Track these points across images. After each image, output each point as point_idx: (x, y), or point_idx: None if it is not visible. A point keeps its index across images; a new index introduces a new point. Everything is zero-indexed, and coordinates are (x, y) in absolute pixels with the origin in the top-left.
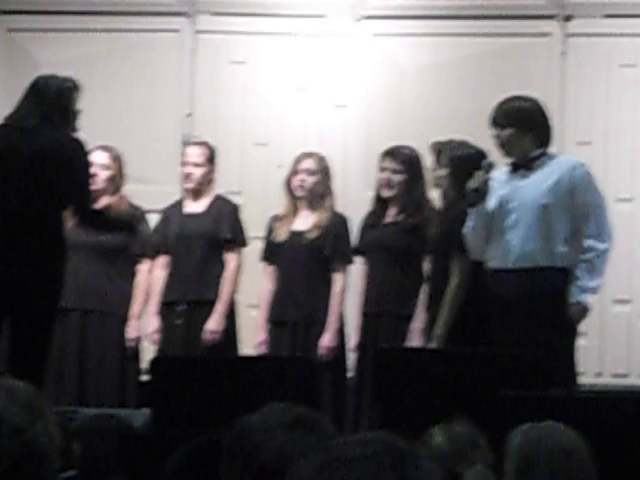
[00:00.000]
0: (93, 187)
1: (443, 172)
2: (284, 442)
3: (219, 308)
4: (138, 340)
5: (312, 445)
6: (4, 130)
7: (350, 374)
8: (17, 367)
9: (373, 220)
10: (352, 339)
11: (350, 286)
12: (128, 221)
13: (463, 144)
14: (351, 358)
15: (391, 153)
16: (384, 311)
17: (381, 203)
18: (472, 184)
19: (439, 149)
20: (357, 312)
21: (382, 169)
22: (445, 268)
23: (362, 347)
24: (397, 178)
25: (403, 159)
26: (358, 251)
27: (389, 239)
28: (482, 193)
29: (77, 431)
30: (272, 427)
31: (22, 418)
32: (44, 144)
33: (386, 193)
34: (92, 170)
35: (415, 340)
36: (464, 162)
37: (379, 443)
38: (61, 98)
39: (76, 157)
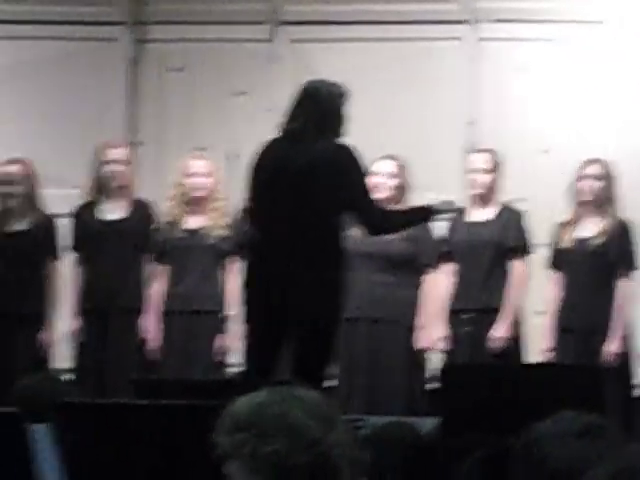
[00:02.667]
0: (380, 195)
1: None
2: (575, 450)
3: (505, 315)
4: (425, 349)
5: (602, 453)
6: (282, 141)
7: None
8: (302, 377)
9: None
10: None
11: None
12: (423, 208)
13: None
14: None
15: None
16: None
17: None
18: None
19: None
20: None
21: None
22: None
23: None
24: None
25: None
26: None
27: None
28: None
29: (365, 439)
30: (563, 435)
31: (317, 429)
32: (319, 153)
33: None
34: (377, 179)
35: None
36: None
37: None
38: (334, 105)
39: (350, 165)
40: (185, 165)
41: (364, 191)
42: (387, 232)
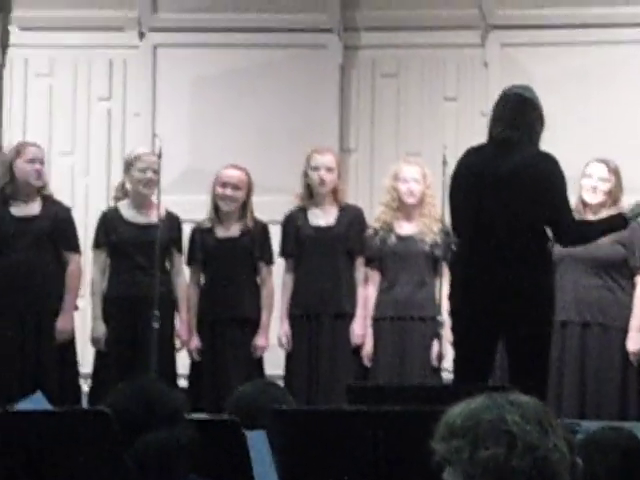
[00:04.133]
0: (592, 199)
1: None
2: None
3: None
4: (639, 353)
5: None
6: (489, 147)
7: None
8: (519, 383)
9: None
10: None
11: None
12: (618, 217)
13: None
14: None
15: None
16: None
17: None
18: None
19: None
20: None
21: None
22: None
23: None
24: None
25: None
26: None
27: None
28: None
29: (580, 444)
30: None
31: (534, 434)
32: (526, 161)
33: None
34: (589, 183)
35: None
36: None
37: None
38: (542, 112)
39: (555, 175)
40: (398, 171)
41: (564, 203)
42: (579, 244)
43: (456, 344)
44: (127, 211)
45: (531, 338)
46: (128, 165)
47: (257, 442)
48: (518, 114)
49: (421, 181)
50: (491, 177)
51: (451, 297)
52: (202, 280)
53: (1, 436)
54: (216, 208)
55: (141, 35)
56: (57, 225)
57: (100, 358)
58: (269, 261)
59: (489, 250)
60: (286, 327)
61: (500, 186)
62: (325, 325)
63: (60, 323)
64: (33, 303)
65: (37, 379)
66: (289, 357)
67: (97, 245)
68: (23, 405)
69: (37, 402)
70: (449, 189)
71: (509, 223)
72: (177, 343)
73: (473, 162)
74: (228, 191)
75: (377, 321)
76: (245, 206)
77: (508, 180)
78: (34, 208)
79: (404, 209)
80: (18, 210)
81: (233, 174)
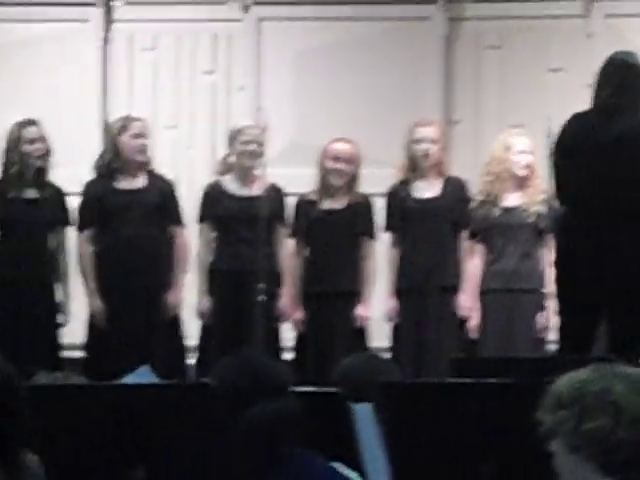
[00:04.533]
0: None
1: None
2: None
3: None
4: None
5: None
6: (591, 115)
7: None
8: (621, 353)
9: None
10: None
11: None
12: None
13: None
14: None
15: None
16: None
17: None
18: None
19: None
20: None
21: None
22: None
23: None
24: None
25: None
26: None
27: None
28: None
29: None
30: None
31: None
32: (631, 127)
33: None
34: None
35: None
36: None
37: None
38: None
39: None
40: (508, 142)
41: None
42: None
43: (561, 312)
44: (231, 184)
45: (632, 307)
46: (232, 138)
47: (363, 415)
48: (623, 80)
49: (532, 152)
50: (596, 144)
51: (557, 265)
52: (306, 252)
53: (109, 409)
54: (323, 180)
55: (245, 8)
56: (162, 199)
57: (206, 331)
58: (372, 235)
59: (594, 218)
60: (393, 301)
61: (605, 153)
62: (431, 298)
63: (171, 297)
64: (142, 277)
65: (145, 353)
66: (396, 330)
67: (202, 219)
68: (131, 378)
69: (144, 375)
70: (553, 156)
71: (613, 191)
72: (280, 316)
73: (577, 129)
74: (340, 165)
75: (483, 294)
76: (353, 179)
77: (613, 147)
78: (140, 182)
79: (513, 180)
80: (124, 184)
81: (345, 148)
